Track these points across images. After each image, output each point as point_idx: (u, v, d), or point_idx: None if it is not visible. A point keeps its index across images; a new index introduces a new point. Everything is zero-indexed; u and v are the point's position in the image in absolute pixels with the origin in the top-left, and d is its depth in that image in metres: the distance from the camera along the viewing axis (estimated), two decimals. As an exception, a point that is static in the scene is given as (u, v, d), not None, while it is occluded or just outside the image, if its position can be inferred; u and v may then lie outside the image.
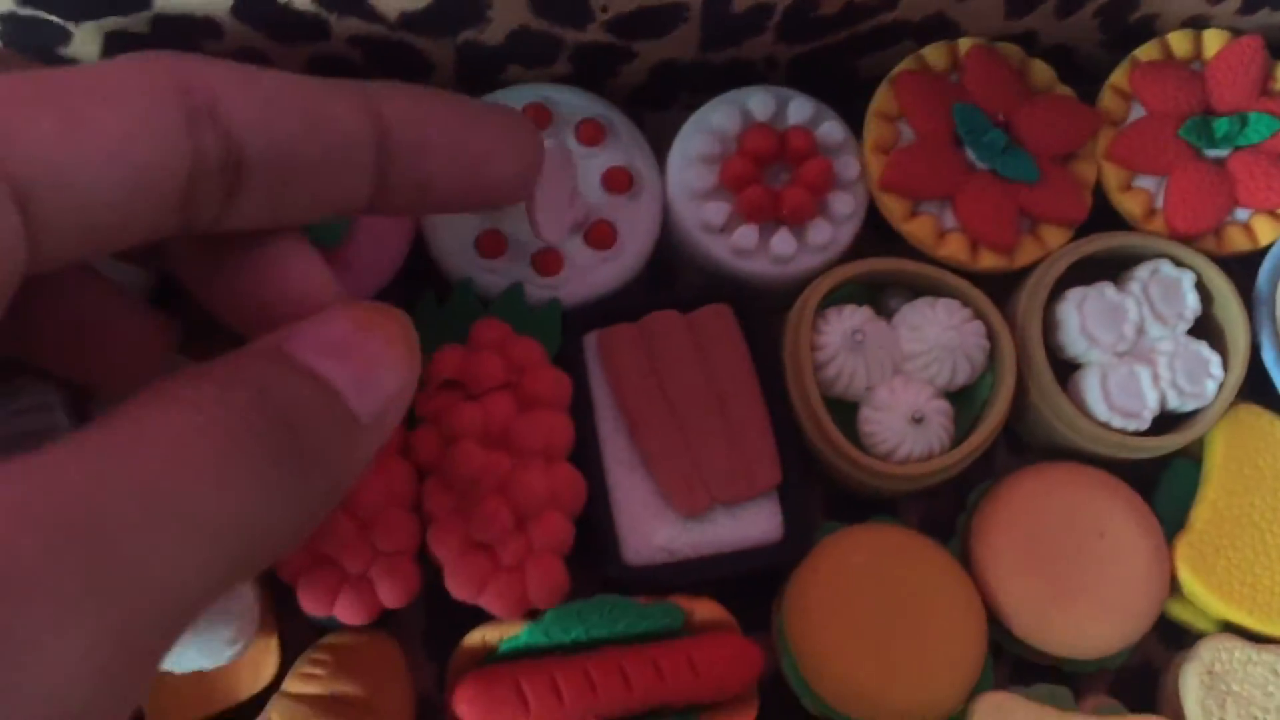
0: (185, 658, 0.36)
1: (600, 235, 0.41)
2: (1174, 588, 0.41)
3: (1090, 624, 0.39)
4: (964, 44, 0.43)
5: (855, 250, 0.43)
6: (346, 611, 0.37)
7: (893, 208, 0.42)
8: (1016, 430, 0.44)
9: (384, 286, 0.41)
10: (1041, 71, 0.44)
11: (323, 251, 0.38)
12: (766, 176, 0.42)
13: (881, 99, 0.43)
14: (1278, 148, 0.43)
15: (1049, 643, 0.39)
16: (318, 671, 0.37)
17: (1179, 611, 0.42)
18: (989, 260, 0.42)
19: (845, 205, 0.42)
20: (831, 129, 0.43)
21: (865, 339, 0.40)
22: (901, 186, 0.42)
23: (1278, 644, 0.39)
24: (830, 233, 0.42)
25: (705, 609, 0.39)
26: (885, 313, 0.42)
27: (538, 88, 0.43)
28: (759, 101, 0.42)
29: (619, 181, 0.42)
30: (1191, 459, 0.42)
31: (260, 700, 0.37)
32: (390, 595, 0.37)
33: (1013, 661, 0.41)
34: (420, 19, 0.39)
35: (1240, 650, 0.39)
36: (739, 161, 0.41)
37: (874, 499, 0.43)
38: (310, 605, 0.37)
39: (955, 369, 0.41)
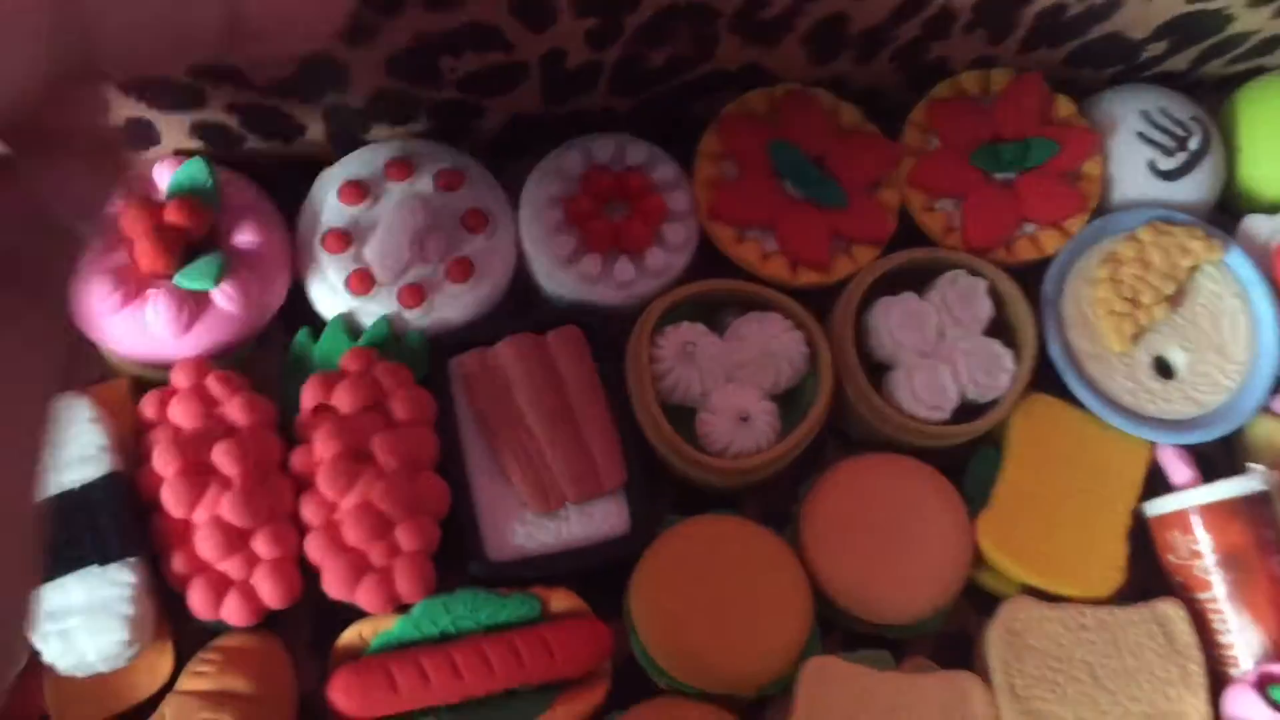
0: (85, 662, 0.39)
1: (460, 270, 0.45)
2: (982, 560, 0.45)
3: (901, 592, 0.43)
4: (780, 90, 0.48)
5: (692, 273, 0.47)
6: (233, 614, 0.41)
7: (721, 235, 0.46)
8: (843, 428, 0.48)
9: (266, 325, 0.45)
10: (850, 112, 0.48)
11: (203, 292, 0.42)
12: (607, 212, 0.46)
13: (708, 140, 0.47)
14: (1058, 168, 0.48)
15: (867, 611, 0.43)
16: (207, 669, 0.40)
17: (988, 580, 0.46)
18: (808, 277, 0.46)
19: (678, 235, 0.46)
20: (665, 169, 0.47)
21: (697, 351, 0.44)
22: (727, 216, 0.46)
23: (1068, 602, 0.44)
24: (665, 259, 0.46)
25: (560, 598, 0.43)
26: (720, 327, 0.46)
27: (403, 143, 0.47)
28: (600, 147, 0.47)
29: (476, 222, 0.46)
30: (995, 445, 0.47)
31: (157, 700, 0.40)
32: (272, 597, 0.41)
33: (844, 633, 0.45)
34: (288, 85, 0.43)
35: (1035, 609, 0.43)
36: (582, 200, 0.45)
37: (717, 494, 0.47)
38: (200, 609, 0.41)
39: (779, 374, 0.45)
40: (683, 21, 0.43)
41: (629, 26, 0.42)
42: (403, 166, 0.45)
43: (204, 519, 0.40)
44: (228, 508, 0.40)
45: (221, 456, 0.40)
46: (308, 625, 0.43)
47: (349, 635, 0.42)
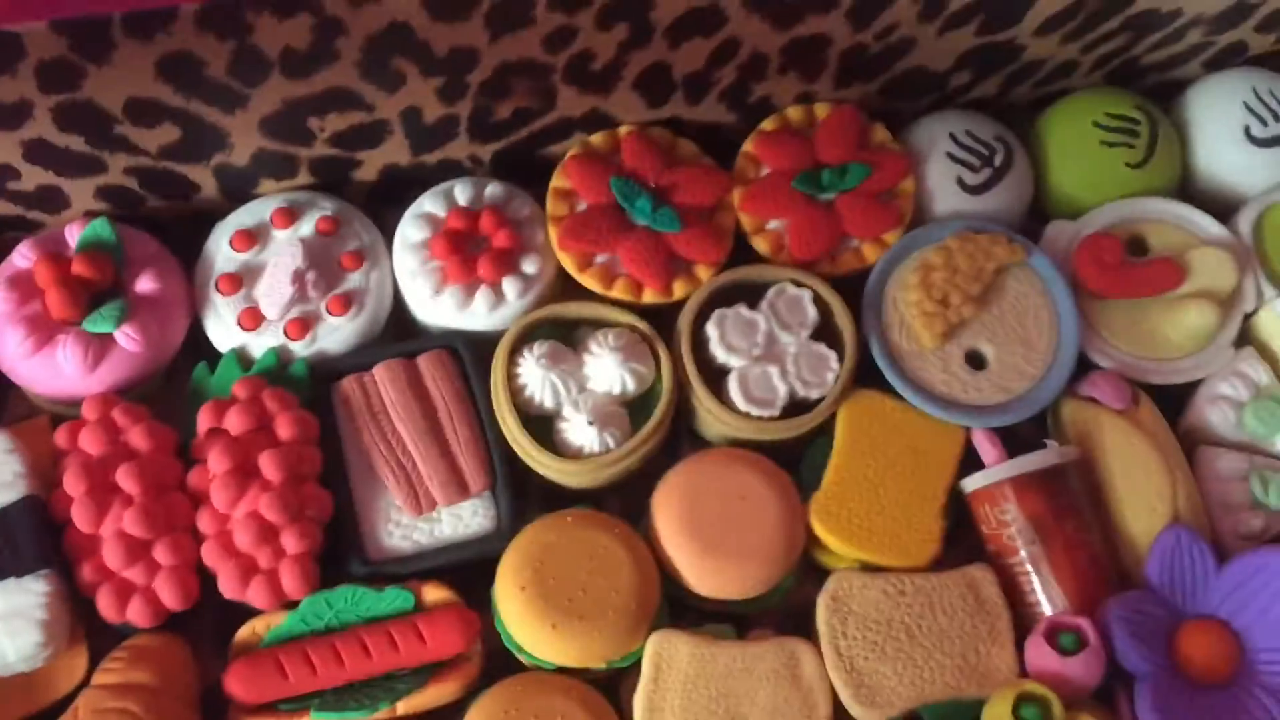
0: (5, 663, 0.44)
1: (339, 304, 0.50)
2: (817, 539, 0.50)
3: (738, 572, 0.48)
4: (622, 130, 0.53)
5: (554, 297, 0.52)
6: (137, 616, 0.45)
7: (570, 262, 0.51)
8: (695, 427, 0.53)
9: (170, 360, 0.50)
10: (686, 147, 0.53)
11: (107, 334, 0.47)
12: (469, 247, 0.51)
13: (557, 178, 0.52)
14: (874, 188, 0.53)
15: (708, 589, 0.48)
16: (115, 666, 0.45)
17: (825, 558, 0.50)
18: (652, 296, 0.51)
19: (533, 265, 0.51)
20: (520, 205, 0.52)
21: (551, 366, 0.49)
22: (574, 245, 0.51)
23: (888, 571, 0.48)
24: (521, 286, 0.51)
25: (432, 591, 0.47)
26: (575, 344, 0.51)
27: (287, 195, 0.52)
28: (460, 189, 0.52)
29: (352, 261, 0.51)
30: (828, 436, 0.52)
31: (74, 697, 0.45)
32: (172, 600, 0.46)
33: (695, 612, 0.50)
34: (175, 149, 0.48)
35: (857, 578, 0.48)
36: (441, 239, 0.51)
37: (580, 495, 0.51)
38: (107, 613, 0.46)
39: (625, 383, 0.50)
40: (520, 76, 0.48)
41: (473, 83, 0.48)
42: (287, 215, 0.51)
43: (109, 532, 0.45)
44: (129, 522, 0.45)
45: (124, 477, 0.45)
46: (210, 623, 0.48)
47: (244, 631, 0.46)
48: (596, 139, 0.53)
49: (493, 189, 0.52)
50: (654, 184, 0.52)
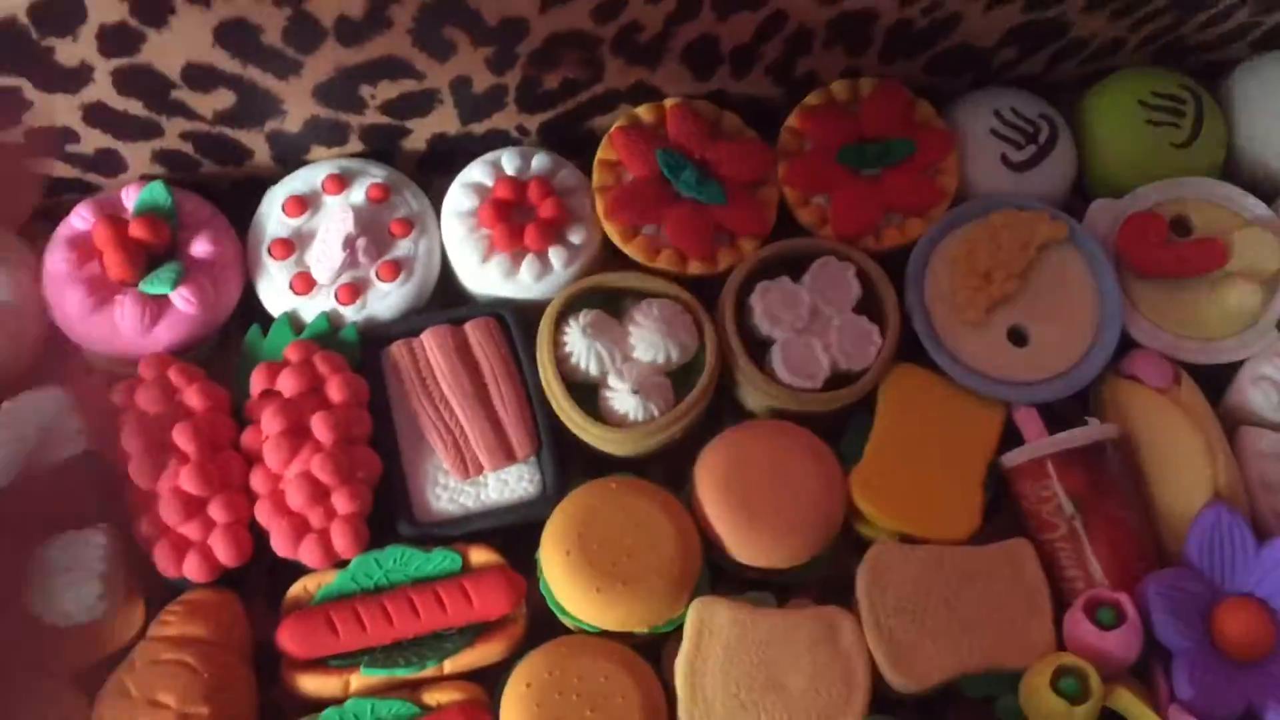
0: (65, 613, 0.45)
1: (389, 271, 0.51)
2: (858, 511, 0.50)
3: (782, 540, 0.48)
4: (668, 103, 0.53)
5: (599, 267, 0.53)
6: (194, 571, 0.46)
7: (616, 232, 0.52)
8: (738, 398, 0.54)
9: (224, 322, 0.51)
10: (731, 120, 0.54)
11: (163, 296, 0.48)
12: (516, 216, 0.52)
13: (603, 149, 0.52)
14: (918, 164, 0.53)
15: (750, 557, 0.48)
16: (171, 619, 0.46)
17: (865, 530, 0.51)
18: (696, 267, 0.52)
19: (579, 235, 0.52)
20: (567, 176, 0.53)
21: (598, 334, 0.50)
22: (619, 216, 0.51)
23: (928, 543, 0.49)
24: (567, 256, 0.51)
25: (479, 553, 0.48)
26: (620, 314, 0.52)
27: (338, 162, 0.53)
28: (508, 159, 0.52)
29: (402, 229, 0.52)
30: (870, 410, 0.52)
31: (130, 649, 0.46)
32: (226, 556, 0.46)
33: (736, 580, 0.50)
34: (230, 115, 0.49)
35: (898, 551, 0.48)
36: (489, 207, 0.51)
37: (623, 463, 0.52)
38: (164, 567, 0.46)
39: (670, 353, 0.50)
40: (569, 47, 0.48)
41: (522, 53, 0.48)
42: (338, 182, 0.51)
43: (166, 489, 0.46)
44: (185, 479, 0.46)
45: (180, 435, 0.46)
46: (263, 580, 0.49)
47: (296, 588, 0.47)
48: (642, 111, 0.53)
49: (540, 159, 0.53)
50: (699, 157, 0.52)
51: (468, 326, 0.51)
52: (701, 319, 0.51)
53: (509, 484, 0.49)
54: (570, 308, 0.51)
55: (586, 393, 0.50)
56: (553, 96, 0.52)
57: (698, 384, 0.50)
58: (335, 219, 0.50)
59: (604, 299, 0.52)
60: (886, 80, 0.54)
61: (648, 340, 0.50)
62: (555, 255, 0.51)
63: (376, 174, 0.52)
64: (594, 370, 0.50)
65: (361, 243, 0.50)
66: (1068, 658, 0.44)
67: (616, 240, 0.52)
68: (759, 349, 0.51)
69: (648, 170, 0.52)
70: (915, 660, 0.46)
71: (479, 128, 0.53)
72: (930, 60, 0.54)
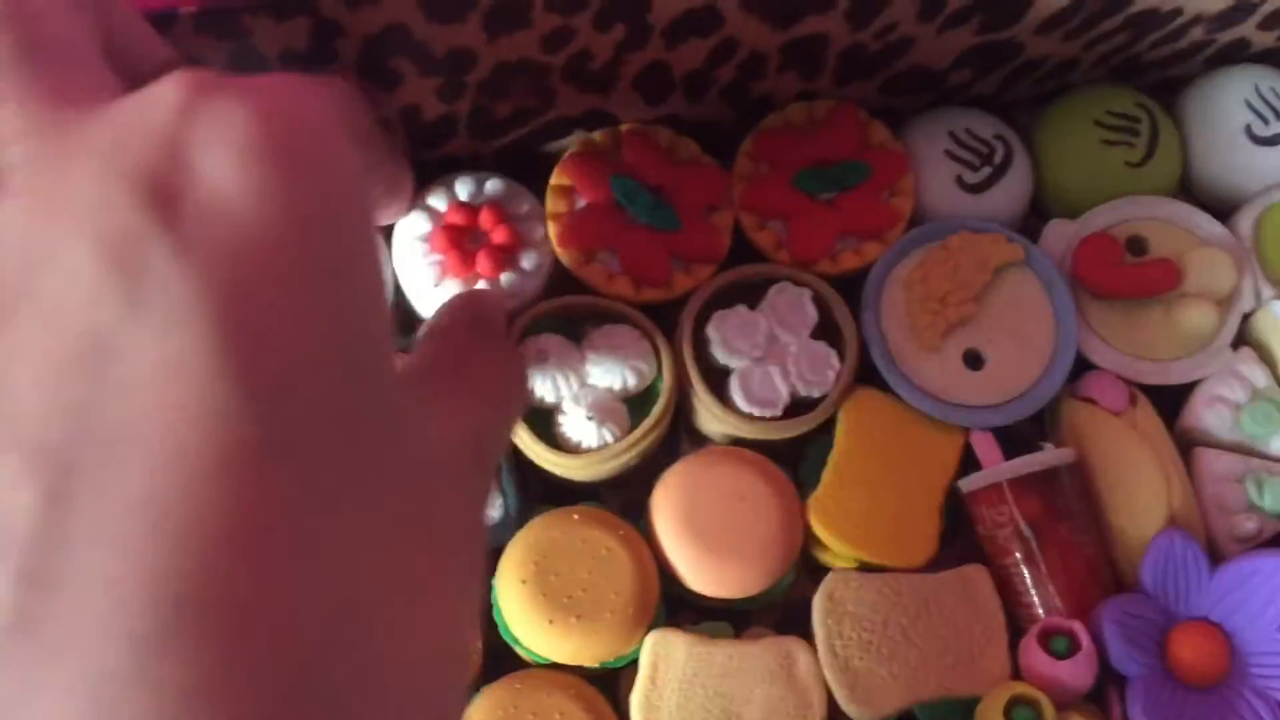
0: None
1: (340, 302, 0.50)
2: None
3: (736, 570, 0.47)
4: (624, 128, 0.53)
5: (553, 292, 0.52)
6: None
7: (570, 259, 0.51)
8: (698, 427, 0.53)
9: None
10: (686, 146, 0.53)
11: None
12: (468, 242, 0.51)
13: (557, 175, 0.52)
14: (874, 187, 0.53)
15: (706, 587, 0.48)
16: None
17: (823, 556, 0.50)
18: (650, 294, 0.51)
19: (531, 261, 0.51)
20: (520, 201, 0.52)
21: (550, 359, 0.49)
22: (573, 243, 0.51)
23: (885, 571, 0.48)
24: (521, 283, 0.50)
25: (433, 586, 0.47)
26: (578, 338, 0.51)
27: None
28: (461, 184, 0.52)
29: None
30: (828, 435, 0.51)
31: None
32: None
33: (693, 609, 0.50)
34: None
35: (854, 578, 0.48)
36: (441, 233, 0.50)
37: (580, 489, 0.51)
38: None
39: (626, 379, 0.49)
40: (519, 76, 0.47)
41: (471, 83, 0.47)
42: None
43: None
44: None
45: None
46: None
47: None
48: (597, 136, 0.52)
49: (493, 184, 0.52)
50: (654, 182, 0.52)
51: (421, 357, 0.50)
52: (659, 345, 0.50)
53: (464, 516, 0.49)
54: (527, 333, 0.50)
55: (542, 418, 0.49)
56: (504, 125, 0.51)
57: (653, 411, 0.49)
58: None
59: (562, 324, 0.51)
60: (841, 103, 0.53)
61: (604, 366, 0.49)
62: (507, 280, 0.50)
63: (327, 203, 0.51)
64: (550, 396, 0.49)
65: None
66: (1021, 687, 0.44)
67: (571, 266, 0.51)
68: (717, 376, 0.51)
69: (601, 196, 0.51)
70: (871, 689, 0.46)
71: (433, 155, 0.52)
72: (885, 82, 0.53)
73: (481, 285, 0.50)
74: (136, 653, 0.19)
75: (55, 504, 0.20)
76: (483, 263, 0.50)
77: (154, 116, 0.23)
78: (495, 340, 0.37)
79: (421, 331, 0.38)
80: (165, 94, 0.23)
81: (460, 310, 0.37)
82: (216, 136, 0.22)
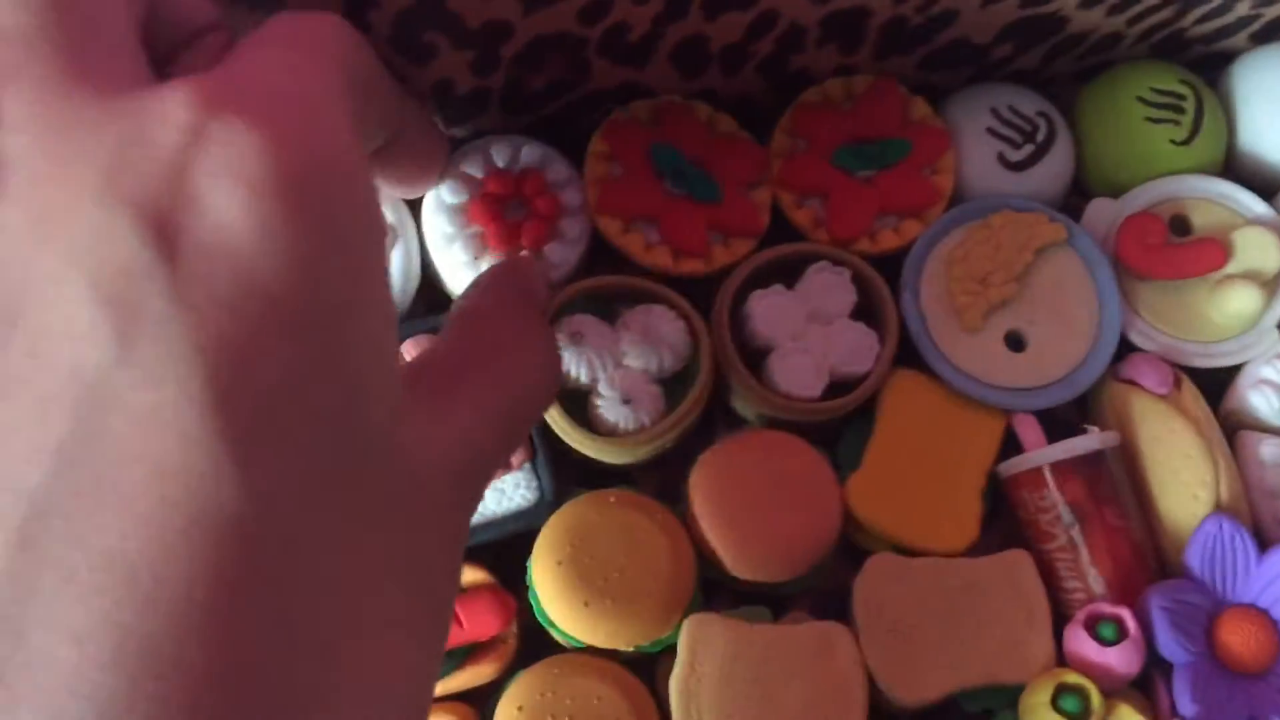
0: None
1: (371, 281, 0.49)
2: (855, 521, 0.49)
3: (775, 554, 0.47)
4: (663, 100, 0.51)
5: (587, 264, 0.51)
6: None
7: (608, 227, 0.49)
8: (733, 405, 0.52)
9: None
10: (725, 121, 0.51)
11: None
12: (509, 212, 0.50)
13: (596, 142, 0.50)
14: (914, 165, 0.51)
15: (746, 572, 0.47)
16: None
17: (862, 540, 0.49)
18: (688, 265, 0.50)
19: (573, 229, 0.49)
20: (559, 168, 0.50)
21: (585, 340, 0.48)
22: (612, 209, 0.49)
23: (927, 555, 0.47)
24: (563, 253, 0.49)
25: (468, 572, 0.46)
26: (612, 318, 0.50)
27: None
28: (497, 150, 0.50)
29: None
30: (867, 417, 0.50)
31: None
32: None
33: (730, 593, 0.49)
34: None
35: (895, 563, 0.47)
36: (480, 203, 0.49)
37: (614, 472, 0.50)
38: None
39: (662, 360, 0.48)
40: (554, 50, 0.46)
41: (505, 56, 0.46)
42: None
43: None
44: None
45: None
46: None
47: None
48: (637, 106, 0.51)
49: (530, 150, 0.50)
50: (693, 154, 0.50)
51: (454, 334, 0.49)
52: (696, 325, 0.49)
53: (506, 493, 0.48)
54: (560, 312, 0.49)
55: (577, 400, 0.49)
56: (537, 98, 0.50)
57: (690, 393, 0.48)
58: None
59: (596, 303, 0.50)
60: (881, 78, 0.52)
61: (640, 347, 0.48)
62: (550, 252, 0.49)
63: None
64: (584, 378, 0.48)
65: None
66: (1068, 675, 0.43)
67: (609, 235, 0.49)
68: (755, 357, 0.50)
69: (641, 165, 0.50)
70: (913, 675, 0.45)
71: (463, 130, 0.51)
72: (925, 57, 0.52)
73: (523, 255, 0.49)
74: (97, 711, 0.18)
75: (27, 549, 0.19)
76: (529, 233, 0.49)
77: (162, 137, 0.21)
78: (533, 321, 0.36)
79: (454, 308, 0.37)
80: (176, 111, 0.22)
81: (499, 287, 0.36)
82: (225, 168, 0.21)
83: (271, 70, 0.24)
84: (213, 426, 0.20)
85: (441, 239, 0.49)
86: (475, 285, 0.35)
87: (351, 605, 0.21)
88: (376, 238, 0.23)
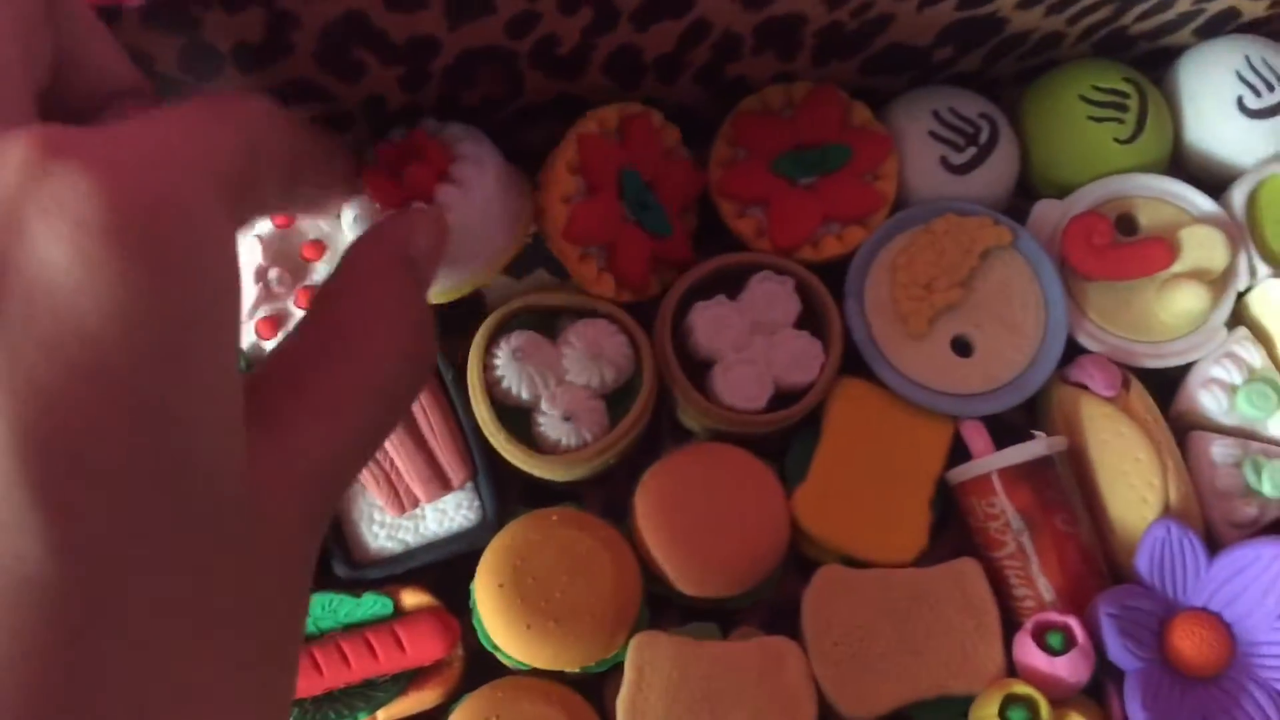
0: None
1: (307, 297, 0.48)
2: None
3: (722, 570, 0.46)
4: (628, 110, 0.49)
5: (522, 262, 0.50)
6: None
7: (568, 253, 0.48)
8: (680, 420, 0.51)
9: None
10: (671, 134, 0.50)
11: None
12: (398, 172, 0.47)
13: (567, 151, 0.47)
14: (856, 170, 0.51)
15: (693, 588, 0.46)
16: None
17: (811, 552, 0.49)
18: (629, 296, 0.48)
19: (467, 173, 0.45)
20: (456, 130, 0.46)
21: (525, 356, 0.47)
22: (580, 237, 0.47)
23: (875, 566, 0.47)
24: (460, 196, 0.45)
25: (411, 595, 0.46)
26: (555, 334, 0.49)
27: (250, 188, 0.50)
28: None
29: (314, 252, 0.48)
30: (814, 427, 0.50)
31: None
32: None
33: (679, 609, 0.48)
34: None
35: (843, 575, 0.46)
36: (371, 171, 0.46)
37: (560, 489, 0.50)
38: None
39: (604, 375, 0.48)
40: (484, 64, 0.46)
41: (436, 71, 0.45)
42: (241, 214, 0.48)
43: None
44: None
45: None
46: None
47: (218, 641, 0.45)
48: (605, 113, 0.48)
49: (434, 125, 0.47)
50: (649, 176, 0.49)
51: (391, 357, 0.48)
52: (638, 338, 0.48)
53: (448, 514, 0.47)
54: (501, 329, 0.48)
55: (519, 417, 0.48)
56: (471, 113, 0.49)
57: (632, 409, 0.47)
58: (242, 253, 0.48)
59: (536, 320, 0.49)
60: (821, 84, 0.51)
61: (581, 363, 0.48)
62: (447, 197, 0.46)
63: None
64: (526, 394, 0.48)
65: (274, 273, 0.47)
66: (1016, 685, 0.43)
67: (570, 262, 0.48)
68: (699, 369, 0.49)
69: (609, 187, 0.48)
70: (863, 689, 0.45)
71: (406, 145, 0.50)
72: (865, 61, 0.52)
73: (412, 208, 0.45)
74: None
75: None
76: (411, 178, 0.44)
77: (1, 174, 0.21)
78: (393, 290, 0.31)
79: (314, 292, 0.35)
80: (15, 149, 0.21)
81: (359, 256, 0.32)
82: (57, 207, 0.20)
83: (147, 126, 0.23)
84: (19, 476, 0.19)
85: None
86: (340, 258, 0.32)
87: (175, 668, 0.20)
88: (221, 286, 0.22)
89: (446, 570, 0.47)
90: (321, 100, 0.46)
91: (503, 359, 0.47)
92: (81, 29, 0.29)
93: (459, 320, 0.50)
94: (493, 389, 0.47)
